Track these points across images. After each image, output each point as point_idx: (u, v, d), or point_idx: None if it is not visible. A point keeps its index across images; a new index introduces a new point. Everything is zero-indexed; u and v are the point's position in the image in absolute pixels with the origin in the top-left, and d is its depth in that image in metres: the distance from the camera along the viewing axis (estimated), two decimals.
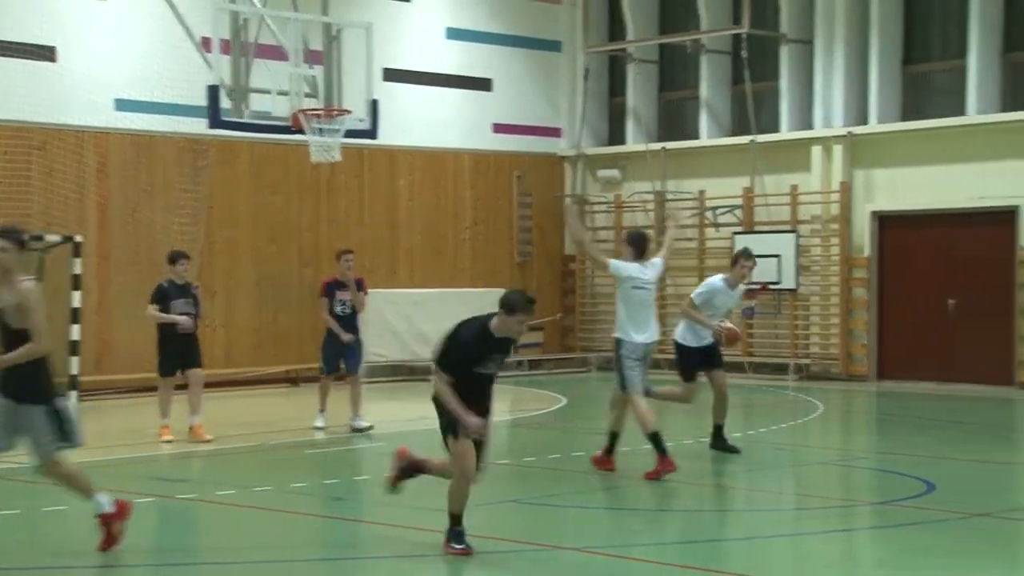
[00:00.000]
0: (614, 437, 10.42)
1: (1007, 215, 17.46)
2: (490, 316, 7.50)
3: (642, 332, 10.16)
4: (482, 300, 20.72)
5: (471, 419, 7.33)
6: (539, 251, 21.38)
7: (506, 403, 17.75)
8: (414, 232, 20.04)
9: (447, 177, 20.48)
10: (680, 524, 8.92)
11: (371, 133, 14.89)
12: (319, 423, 13.21)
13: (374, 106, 14.79)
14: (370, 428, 12.93)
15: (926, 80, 19.10)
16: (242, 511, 9.09)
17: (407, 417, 14.83)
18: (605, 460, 10.40)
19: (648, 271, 10.25)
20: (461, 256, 20.62)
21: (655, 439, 9.99)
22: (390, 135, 17.98)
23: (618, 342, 10.26)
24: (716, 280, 11.35)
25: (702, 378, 11.40)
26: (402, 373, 19.42)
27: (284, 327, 18.52)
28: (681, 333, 11.41)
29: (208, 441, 12.09)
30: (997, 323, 17.63)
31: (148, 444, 12.26)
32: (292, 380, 18.44)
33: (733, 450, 11.36)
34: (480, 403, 7.51)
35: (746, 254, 11.45)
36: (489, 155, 20.87)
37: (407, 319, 19.47)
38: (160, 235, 17.14)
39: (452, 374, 7.43)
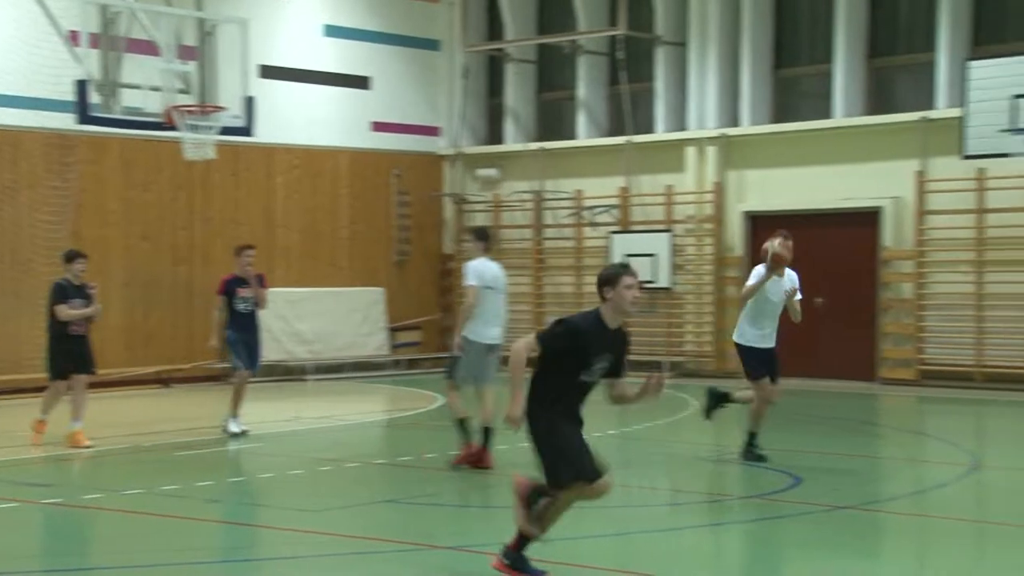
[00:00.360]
0: (486, 432, 10.50)
1: (871, 216, 18.02)
2: (595, 309, 6.66)
3: (489, 331, 10.52)
4: (359, 299, 20.77)
5: (516, 410, 6.41)
6: (417, 250, 21.35)
7: (383, 403, 17.71)
8: (291, 231, 19.84)
9: (325, 175, 20.32)
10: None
11: (247, 130, 14.72)
12: (235, 428, 12.60)
13: (250, 103, 14.60)
14: (244, 433, 12.69)
15: (795, 84, 19.60)
16: (110, 515, 8.90)
17: (282, 418, 14.69)
18: (478, 457, 10.48)
19: (497, 270, 10.70)
20: (339, 255, 20.49)
21: (463, 424, 10.55)
22: (267, 133, 17.78)
23: (465, 340, 10.58)
24: (763, 268, 10.91)
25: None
26: (277, 373, 19.21)
27: (156, 327, 18.17)
28: (741, 332, 10.99)
29: (88, 447, 11.76)
30: (861, 321, 18.21)
31: (12, 448, 11.91)
32: (164, 381, 18.10)
33: (761, 458, 10.91)
34: (573, 415, 6.65)
35: (784, 236, 11.04)
36: (368, 153, 20.77)
37: (283, 319, 19.27)
38: (26, 233, 16.66)
39: (545, 349, 6.44)
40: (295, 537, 8.14)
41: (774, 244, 10.87)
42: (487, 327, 10.51)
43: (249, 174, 19.33)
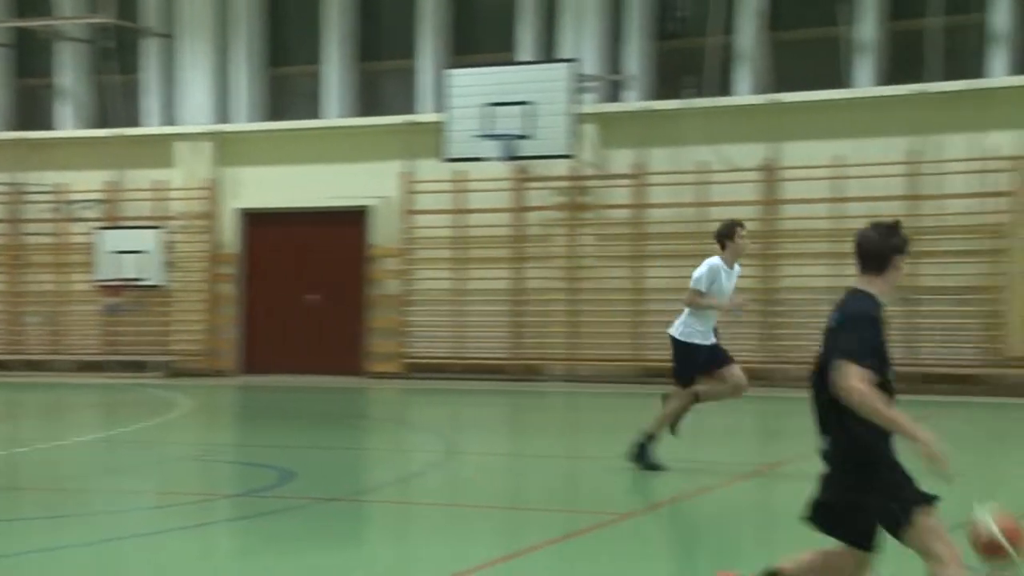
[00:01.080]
0: None
1: (359, 214, 18.66)
2: (856, 291, 4.88)
3: None
4: None
5: (933, 442, 4.56)
6: None
7: None
8: None
9: None
10: (26, 534, 8.50)
11: None
12: None
13: None
14: None
15: (290, 83, 19.85)
16: None
17: None
18: None
19: None
20: None
21: None
22: None
23: None
24: (716, 260, 9.64)
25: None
26: None
27: None
28: (683, 330, 9.72)
29: None
30: (351, 317, 18.81)
31: None
32: None
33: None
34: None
35: (740, 223, 9.78)
36: None
37: None
38: None
39: (875, 371, 4.67)
40: None
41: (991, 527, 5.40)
42: None
43: None
